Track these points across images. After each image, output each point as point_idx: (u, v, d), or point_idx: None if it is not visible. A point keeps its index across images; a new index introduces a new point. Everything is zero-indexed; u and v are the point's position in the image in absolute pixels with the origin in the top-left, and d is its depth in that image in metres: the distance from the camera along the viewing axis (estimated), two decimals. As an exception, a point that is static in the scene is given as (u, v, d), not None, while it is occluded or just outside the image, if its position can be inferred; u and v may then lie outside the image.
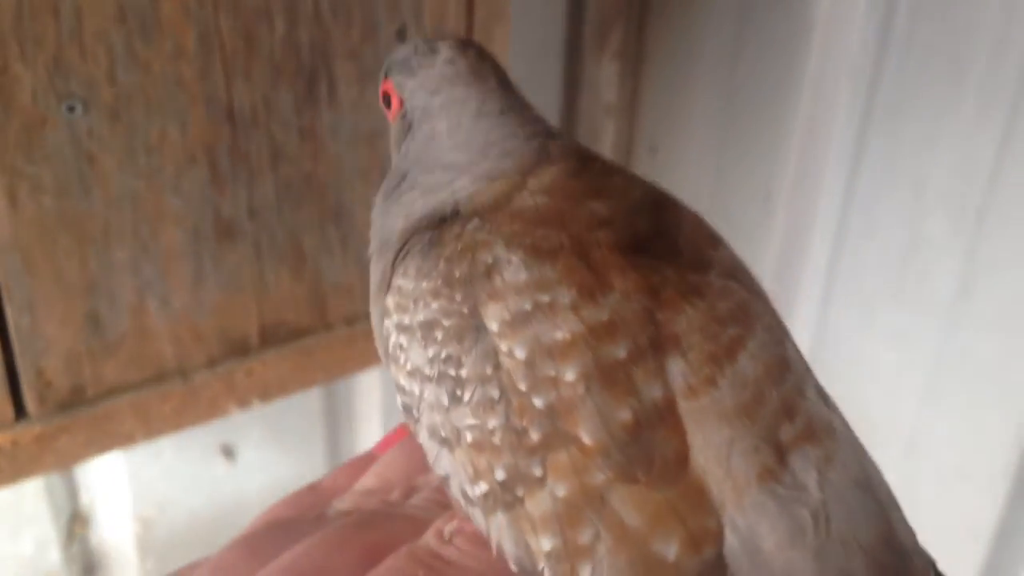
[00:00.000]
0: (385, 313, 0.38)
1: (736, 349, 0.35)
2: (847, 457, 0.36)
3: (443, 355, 0.35)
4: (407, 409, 0.37)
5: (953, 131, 0.78)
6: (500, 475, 0.34)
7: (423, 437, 0.37)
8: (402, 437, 0.45)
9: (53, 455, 0.64)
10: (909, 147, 0.80)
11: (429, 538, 0.37)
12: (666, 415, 0.34)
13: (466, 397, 0.35)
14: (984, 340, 0.79)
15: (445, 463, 0.36)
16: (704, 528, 0.34)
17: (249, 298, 0.69)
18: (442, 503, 0.40)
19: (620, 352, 0.34)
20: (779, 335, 0.37)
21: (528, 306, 0.34)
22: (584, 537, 0.34)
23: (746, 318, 0.36)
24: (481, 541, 0.37)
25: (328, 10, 0.64)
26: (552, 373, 0.34)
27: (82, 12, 0.56)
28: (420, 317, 0.36)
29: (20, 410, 0.63)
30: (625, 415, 0.33)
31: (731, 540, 0.34)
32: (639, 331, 0.34)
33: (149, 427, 0.68)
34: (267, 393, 0.71)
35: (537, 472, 0.34)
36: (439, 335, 0.35)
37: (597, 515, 0.34)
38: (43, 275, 0.61)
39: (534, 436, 0.34)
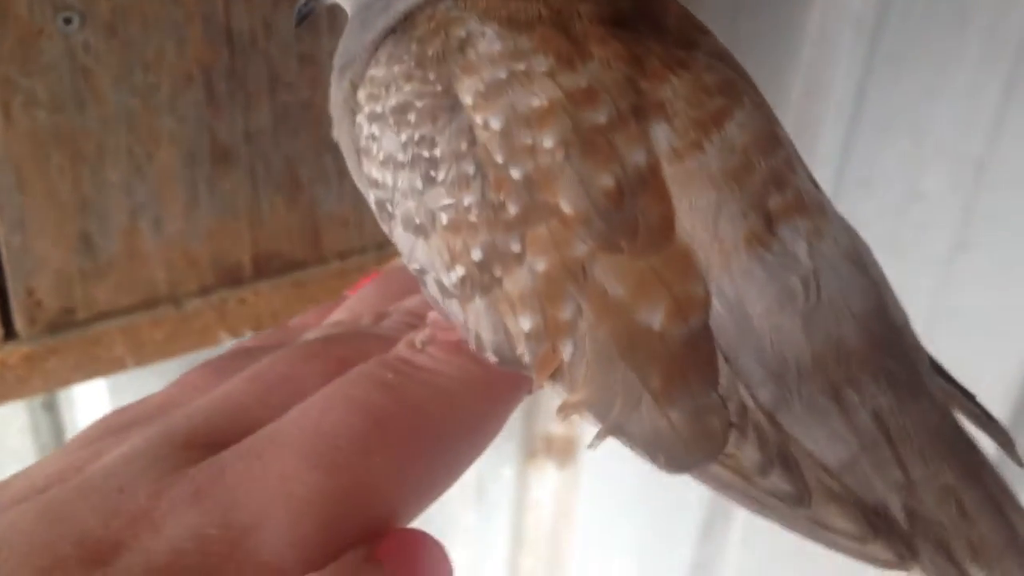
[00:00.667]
0: (356, 108, 0.36)
1: (723, 117, 0.34)
2: (838, 233, 0.35)
3: (416, 137, 0.34)
4: (380, 205, 0.36)
5: (955, 82, 0.77)
6: (477, 255, 0.33)
7: (397, 232, 0.36)
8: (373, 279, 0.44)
9: (41, 377, 0.64)
10: (910, 98, 0.80)
11: (400, 348, 0.35)
12: (650, 181, 0.33)
13: (440, 176, 0.33)
14: (980, 294, 0.79)
15: (420, 254, 0.35)
16: (690, 295, 0.33)
17: (243, 225, 0.68)
18: (414, 324, 0.38)
19: (600, 118, 0.32)
20: (768, 114, 0.36)
21: (503, 75, 0.33)
22: (565, 313, 0.33)
23: (733, 91, 0.35)
24: (454, 349, 0.35)
25: (330, -65, 0.63)
26: (529, 142, 0.32)
27: (80, -80, 0.55)
28: (392, 102, 0.34)
29: (9, 330, 0.63)
30: (607, 181, 0.32)
31: (718, 307, 0.33)
32: (620, 97, 0.33)
33: (140, 353, 0.67)
34: (259, 323, 0.71)
35: (515, 248, 0.33)
36: (412, 117, 0.34)
37: (578, 288, 0.32)
38: (35, 192, 0.60)
39: (512, 210, 0.32)
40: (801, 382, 0.33)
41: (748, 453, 0.33)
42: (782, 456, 0.33)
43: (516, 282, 0.33)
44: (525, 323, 0.33)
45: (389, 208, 0.35)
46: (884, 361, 0.34)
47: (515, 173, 0.32)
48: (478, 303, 0.34)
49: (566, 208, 0.32)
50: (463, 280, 0.34)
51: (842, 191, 0.86)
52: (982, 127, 0.77)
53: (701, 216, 0.33)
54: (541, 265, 0.32)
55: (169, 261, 0.66)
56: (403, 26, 0.36)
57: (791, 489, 0.33)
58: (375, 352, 0.35)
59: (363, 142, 0.36)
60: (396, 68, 0.35)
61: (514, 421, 1.04)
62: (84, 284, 0.64)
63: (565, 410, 0.34)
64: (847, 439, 0.33)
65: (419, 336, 0.35)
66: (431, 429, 0.33)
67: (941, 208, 0.80)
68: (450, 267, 0.34)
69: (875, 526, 0.33)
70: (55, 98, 0.58)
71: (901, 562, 0.34)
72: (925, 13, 0.78)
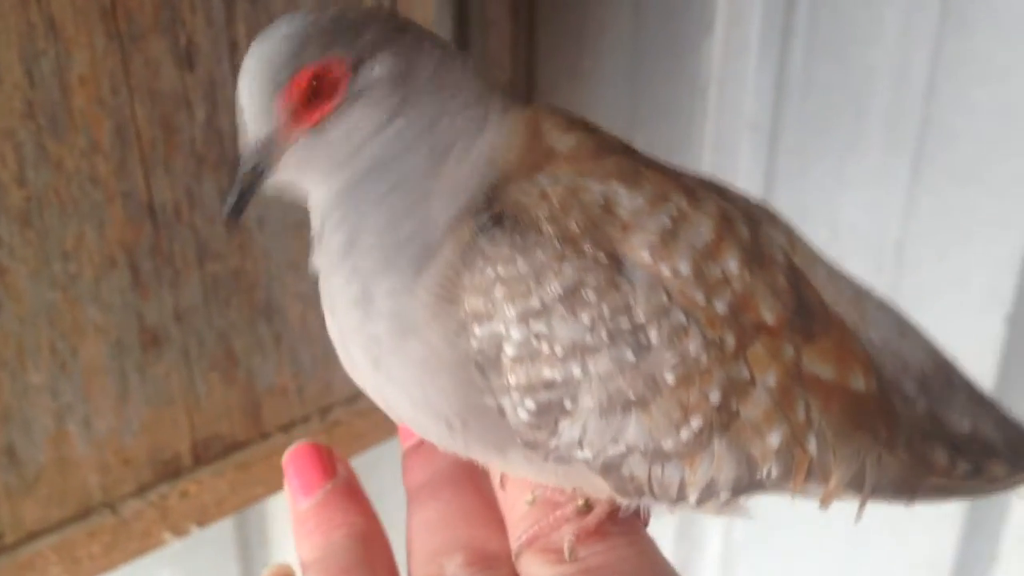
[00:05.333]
0: (476, 317, 0.32)
1: (754, 207, 0.38)
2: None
3: (606, 312, 0.32)
4: (547, 408, 0.32)
5: (862, 169, 0.79)
6: (715, 397, 0.33)
7: (587, 426, 0.33)
8: None
9: (-29, 617, 0.56)
10: (821, 188, 0.82)
11: (553, 569, 0.35)
12: (797, 271, 0.36)
13: (654, 339, 0.32)
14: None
15: (632, 432, 0.33)
16: (864, 351, 0.36)
17: (179, 411, 0.62)
18: (483, 555, 0.37)
19: (745, 231, 0.35)
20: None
21: (667, 222, 0.33)
22: (800, 413, 0.34)
23: (724, 186, 0.38)
24: (597, 535, 0.35)
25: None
26: (719, 273, 0.33)
27: (-15, 108, 0.50)
28: (555, 289, 0.31)
29: (-70, 569, 0.55)
30: (783, 283, 0.35)
31: (873, 352, 0.37)
32: (735, 209, 0.36)
33: (77, 570, 0.60)
34: (205, 516, 0.64)
35: (745, 374, 0.33)
36: (590, 295, 0.32)
37: (800, 385, 0.34)
38: (-50, 409, 0.53)
39: (730, 341, 0.33)
40: (933, 384, 0.39)
41: (939, 455, 0.37)
42: (954, 446, 0.38)
43: (756, 405, 0.34)
44: (774, 439, 0.34)
45: (567, 405, 0.32)
46: (935, 345, 0.41)
47: (719, 306, 0.33)
48: (716, 446, 0.34)
49: (769, 319, 0.34)
50: (700, 431, 0.33)
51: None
52: (895, 208, 0.78)
53: (829, 284, 0.37)
54: (772, 379, 0.34)
55: (102, 463, 0.60)
56: (498, 216, 0.32)
57: (972, 466, 0.38)
58: None
59: (512, 350, 0.32)
60: (539, 255, 0.32)
61: None
62: (10, 502, 0.57)
63: (827, 499, 0.36)
64: (965, 410, 0.39)
65: (566, 545, 0.35)
66: None
67: (867, 293, 0.81)
68: (682, 424, 0.33)
69: (1013, 463, 0.39)
70: (-33, 303, 0.52)
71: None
72: (821, 106, 0.80)
